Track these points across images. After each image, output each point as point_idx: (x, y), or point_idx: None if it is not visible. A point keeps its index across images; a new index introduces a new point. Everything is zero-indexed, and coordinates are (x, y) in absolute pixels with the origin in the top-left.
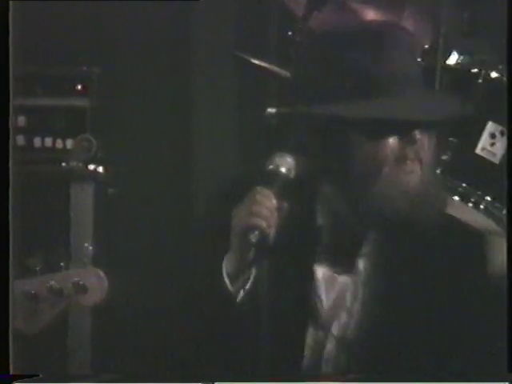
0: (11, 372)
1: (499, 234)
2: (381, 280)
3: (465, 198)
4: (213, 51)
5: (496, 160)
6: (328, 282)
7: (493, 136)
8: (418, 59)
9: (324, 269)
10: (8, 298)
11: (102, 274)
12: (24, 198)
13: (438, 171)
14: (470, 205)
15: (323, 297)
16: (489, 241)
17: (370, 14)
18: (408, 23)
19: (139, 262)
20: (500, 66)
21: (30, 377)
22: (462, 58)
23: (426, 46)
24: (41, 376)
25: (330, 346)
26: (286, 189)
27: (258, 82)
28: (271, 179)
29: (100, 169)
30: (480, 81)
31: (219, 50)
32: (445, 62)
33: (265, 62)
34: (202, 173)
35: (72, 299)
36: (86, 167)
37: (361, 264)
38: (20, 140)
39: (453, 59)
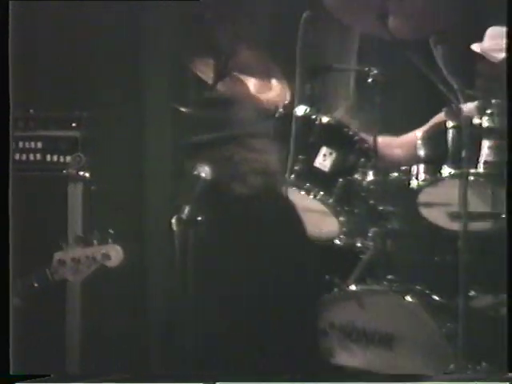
0: (11, 372)
1: (328, 213)
2: None
3: (308, 192)
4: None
5: (326, 170)
6: None
7: (324, 155)
8: (280, 109)
9: None
10: (8, 299)
11: (119, 247)
12: (39, 194)
13: (293, 176)
14: (311, 196)
15: None
16: (322, 218)
17: (251, 81)
18: (274, 88)
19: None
20: (329, 114)
21: (39, 377)
22: (307, 109)
23: (286, 102)
24: (52, 376)
25: None
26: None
27: (184, 122)
28: (195, 180)
29: (86, 174)
30: (317, 123)
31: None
32: (296, 112)
33: (190, 109)
34: (157, 175)
35: (100, 263)
36: (78, 173)
37: None
38: (37, 157)
39: (301, 110)
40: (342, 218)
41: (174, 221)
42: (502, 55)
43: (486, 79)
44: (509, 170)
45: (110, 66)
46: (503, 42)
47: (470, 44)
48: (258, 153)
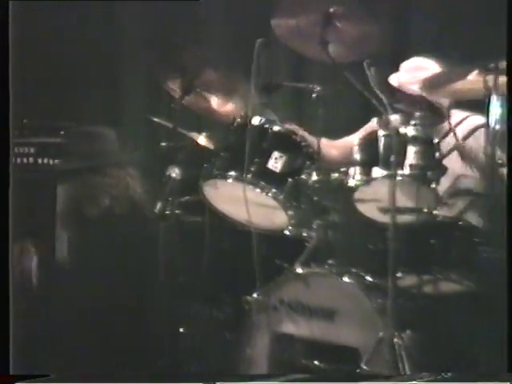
0: (11, 372)
1: (279, 207)
2: None
3: (262, 190)
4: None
5: (278, 170)
6: None
7: (276, 158)
8: (238, 120)
9: None
10: (8, 299)
11: None
12: (32, 191)
13: (249, 176)
14: (265, 193)
15: None
16: (274, 212)
17: (213, 96)
18: (233, 102)
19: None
20: (279, 123)
21: (39, 377)
22: (261, 120)
23: (243, 114)
24: (51, 376)
25: None
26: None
27: (157, 129)
28: (167, 180)
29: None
30: (270, 131)
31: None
32: (252, 122)
33: (161, 119)
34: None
35: None
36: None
37: None
38: (30, 160)
39: (256, 121)
40: (290, 212)
41: None
42: (418, 87)
43: (410, 95)
44: (509, 169)
45: (91, 81)
46: (418, 75)
47: (399, 64)
48: (116, 179)
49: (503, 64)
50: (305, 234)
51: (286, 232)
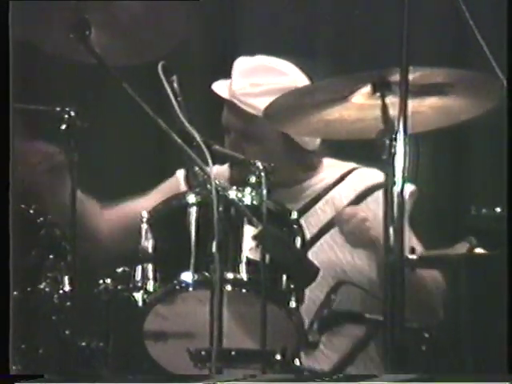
0: (11, 372)
1: None
2: None
3: None
4: None
5: None
6: None
7: None
8: None
9: None
10: (8, 299)
11: None
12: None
13: None
14: None
15: None
16: None
17: None
18: None
19: None
20: None
21: (32, 377)
22: None
23: None
24: (45, 377)
25: None
26: None
27: None
28: None
29: None
30: None
31: None
32: None
33: None
34: None
35: None
36: None
37: None
38: None
39: None
40: None
41: None
42: (261, 102)
43: (243, 132)
44: (509, 170)
45: None
46: (262, 81)
47: (215, 78)
48: None
49: (418, 74)
50: None
51: None
